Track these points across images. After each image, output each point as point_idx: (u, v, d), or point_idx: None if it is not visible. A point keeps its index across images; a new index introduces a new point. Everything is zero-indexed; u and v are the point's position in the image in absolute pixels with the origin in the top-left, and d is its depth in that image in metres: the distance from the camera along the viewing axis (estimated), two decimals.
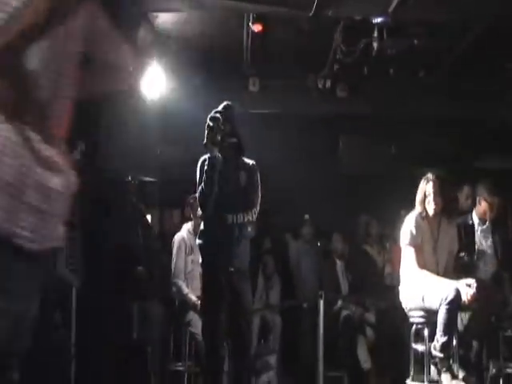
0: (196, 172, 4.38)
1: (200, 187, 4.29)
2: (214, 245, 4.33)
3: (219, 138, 4.22)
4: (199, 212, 4.90)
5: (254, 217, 4.35)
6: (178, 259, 5.83)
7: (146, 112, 6.33)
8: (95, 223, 5.50)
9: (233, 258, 4.29)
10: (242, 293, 4.34)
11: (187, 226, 6.00)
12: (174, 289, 5.83)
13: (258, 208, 4.38)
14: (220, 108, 4.35)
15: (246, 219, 4.29)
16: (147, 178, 5.34)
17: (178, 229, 6.11)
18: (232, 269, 4.27)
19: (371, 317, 6.92)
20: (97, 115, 5.27)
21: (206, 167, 4.24)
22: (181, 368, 5.78)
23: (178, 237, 5.94)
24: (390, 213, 6.28)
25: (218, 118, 4.24)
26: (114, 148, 5.40)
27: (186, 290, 5.72)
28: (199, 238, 4.48)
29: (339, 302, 6.91)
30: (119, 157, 5.36)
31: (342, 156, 8.37)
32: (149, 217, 7.58)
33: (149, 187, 5.60)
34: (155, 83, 6.40)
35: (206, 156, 4.28)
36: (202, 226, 4.50)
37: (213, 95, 5.69)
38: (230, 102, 4.42)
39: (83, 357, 5.29)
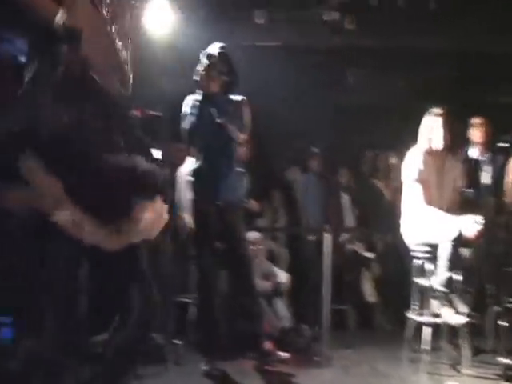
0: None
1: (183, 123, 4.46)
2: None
3: (213, 74, 4.31)
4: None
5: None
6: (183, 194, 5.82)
7: (148, 45, 6.20)
8: None
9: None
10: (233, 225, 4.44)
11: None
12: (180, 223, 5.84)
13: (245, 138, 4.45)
14: (217, 48, 4.39)
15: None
16: (154, 113, 5.28)
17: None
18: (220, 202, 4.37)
19: (376, 252, 7.00)
20: None
21: (190, 104, 4.41)
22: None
23: (182, 170, 5.89)
24: (399, 147, 6.19)
25: (213, 55, 4.32)
26: None
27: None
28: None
29: (344, 236, 6.97)
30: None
31: (349, 89, 8.22)
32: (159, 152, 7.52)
33: (156, 122, 5.53)
34: (160, 16, 6.24)
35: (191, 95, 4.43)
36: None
37: (218, 28, 5.58)
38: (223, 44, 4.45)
39: None
